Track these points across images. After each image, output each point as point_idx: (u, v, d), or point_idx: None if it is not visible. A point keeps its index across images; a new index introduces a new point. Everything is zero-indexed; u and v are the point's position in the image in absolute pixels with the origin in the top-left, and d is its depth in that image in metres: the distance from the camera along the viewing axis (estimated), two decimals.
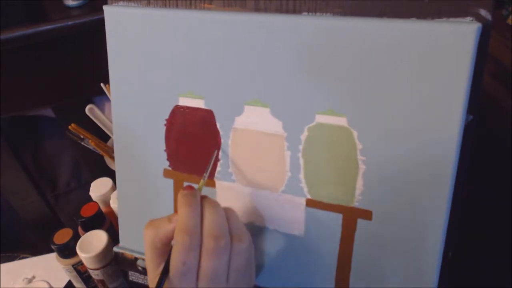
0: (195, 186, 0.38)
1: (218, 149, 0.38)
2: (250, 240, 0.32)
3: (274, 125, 0.35)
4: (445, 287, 0.34)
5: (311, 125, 0.34)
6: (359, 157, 0.32)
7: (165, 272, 0.31)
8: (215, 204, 0.33)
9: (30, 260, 0.69)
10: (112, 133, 0.57)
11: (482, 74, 0.29)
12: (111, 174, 0.56)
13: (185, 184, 0.38)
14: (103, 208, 0.56)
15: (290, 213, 0.36)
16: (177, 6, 0.38)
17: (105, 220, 0.54)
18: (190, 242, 0.30)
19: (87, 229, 0.52)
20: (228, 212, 0.33)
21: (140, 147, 0.42)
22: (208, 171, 0.37)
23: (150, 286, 0.34)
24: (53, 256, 0.53)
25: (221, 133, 0.37)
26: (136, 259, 0.44)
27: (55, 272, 0.56)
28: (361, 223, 0.34)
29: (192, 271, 0.30)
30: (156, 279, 0.31)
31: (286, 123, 0.35)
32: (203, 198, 0.33)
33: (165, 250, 0.32)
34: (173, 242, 0.31)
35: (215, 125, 0.38)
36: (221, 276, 0.31)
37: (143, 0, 0.39)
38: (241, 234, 0.32)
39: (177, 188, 0.41)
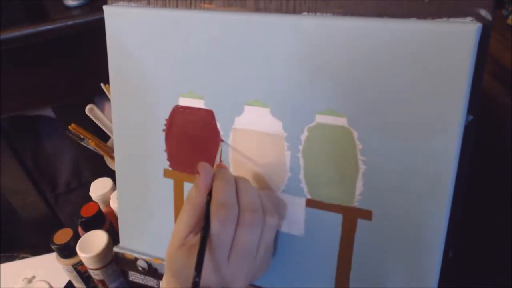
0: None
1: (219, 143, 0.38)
2: (277, 219, 0.33)
3: (274, 125, 0.35)
4: (445, 287, 0.34)
5: (311, 125, 0.34)
6: (359, 157, 0.32)
7: (202, 246, 0.30)
8: (248, 181, 0.34)
9: (30, 260, 0.69)
10: (112, 133, 0.57)
11: (482, 74, 0.29)
12: (111, 174, 0.56)
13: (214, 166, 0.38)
14: (103, 208, 0.56)
15: (290, 213, 0.36)
16: (177, 6, 0.38)
17: (105, 220, 0.54)
18: (227, 215, 0.30)
19: (87, 229, 0.52)
20: (258, 191, 0.34)
21: (140, 147, 0.42)
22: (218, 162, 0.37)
23: (169, 251, 0.33)
24: (53, 256, 0.53)
25: (221, 133, 0.37)
26: (136, 259, 0.44)
27: (55, 272, 0.56)
28: (361, 223, 0.34)
29: (225, 244, 0.30)
30: (181, 247, 0.32)
31: (286, 123, 0.35)
32: (235, 175, 0.34)
33: (199, 220, 0.32)
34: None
35: (215, 125, 0.38)
36: (253, 250, 0.31)
37: (143, 0, 0.39)
38: (272, 210, 0.33)
39: (177, 188, 0.41)
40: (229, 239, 0.30)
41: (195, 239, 0.32)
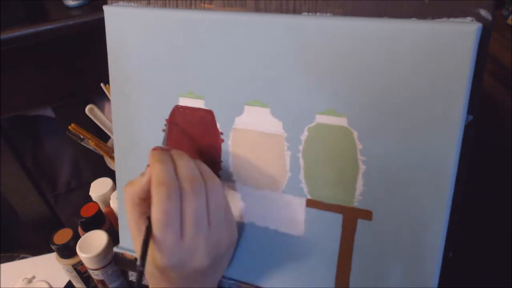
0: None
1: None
2: (219, 181, 0.34)
3: (274, 125, 0.35)
4: (445, 287, 0.34)
5: (311, 125, 0.34)
6: (359, 157, 0.32)
7: (149, 230, 0.31)
8: (183, 154, 0.34)
9: (30, 260, 0.69)
10: (112, 133, 0.57)
11: (482, 74, 0.29)
12: (111, 174, 0.56)
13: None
14: (103, 208, 0.56)
15: (290, 213, 0.36)
16: (177, 6, 0.38)
17: (105, 220, 0.54)
18: (168, 191, 0.31)
19: (87, 229, 0.52)
20: (196, 160, 0.35)
21: (140, 147, 0.42)
22: (164, 142, 0.38)
23: (136, 251, 0.34)
24: (53, 256, 0.53)
25: (221, 133, 0.37)
26: (136, 259, 0.44)
27: (55, 272, 0.56)
28: (361, 223, 0.34)
29: (174, 219, 0.31)
30: (136, 236, 0.33)
31: (286, 123, 0.35)
32: (170, 151, 0.35)
33: (145, 208, 0.33)
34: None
35: (215, 125, 0.38)
36: (202, 217, 0.32)
37: (143, 0, 0.39)
38: (211, 175, 0.34)
39: None
40: (176, 214, 0.31)
41: None
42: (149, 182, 0.32)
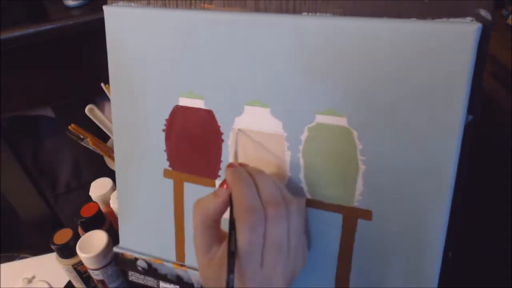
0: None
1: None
2: (300, 203, 0.32)
3: (274, 125, 0.35)
4: (445, 287, 0.34)
5: (311, 125, 0.34)
6: (359, 157, 0.32)
7: (231, 255, 0.30)
8: (264, 172, 0.33)
9: (30, 260, 0.69)
10: (112, 133, 0.57)
11: (482, 74, 0.29)
12: (111, 174, 0.56)
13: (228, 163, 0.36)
14: (103, 208, 0.56)
15: None
16: (177, 6, 0.38)
17: (105, 220, 0.54)
18: (255, 220, 0.29)
19: (87, 229, 0.52)
20: (273, 179, 0.33)
21: (140, 147, 0.42)
22: (236, 157, 0.36)
23: (201, 272, 0.33)
24: (53, 256, 0.53)
25: (221, 133, 0.37)
26: (136, 259, 0.44)
27: (55, 272, 0.56)
28: (361, 223, 0.34)
29: (257, 248, 0.29)
30: (210, 264, 0.31)
31: (286, 123, 0.35)
32: (247, 167, 0.33)
33: (217, 229, 0.32)
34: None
35: (215, 125, 0.38)
36: (284, 243, 0.30)
37: (143, 0, 0.39)
38: (291, 197, 0.32)
39: (177, 188, 0.41)
40: (260, 243, 0.29)
41: (221, 250, 0.31)
42: (224, 204, 0.31)
